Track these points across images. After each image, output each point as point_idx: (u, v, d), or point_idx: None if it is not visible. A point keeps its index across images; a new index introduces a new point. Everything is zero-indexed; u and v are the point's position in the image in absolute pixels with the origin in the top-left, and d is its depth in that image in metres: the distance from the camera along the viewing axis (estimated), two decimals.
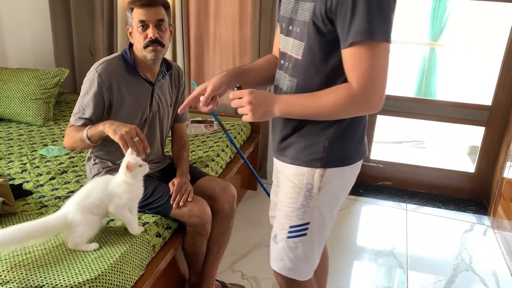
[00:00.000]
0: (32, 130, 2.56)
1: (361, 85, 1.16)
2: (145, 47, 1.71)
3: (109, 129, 1.58)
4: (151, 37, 1.69)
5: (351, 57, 1.17)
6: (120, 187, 1.52)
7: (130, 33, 1.77)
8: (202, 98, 1.35)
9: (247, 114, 1.22)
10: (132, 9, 1.72)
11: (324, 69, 1.25)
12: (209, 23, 2.86)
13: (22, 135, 2.49)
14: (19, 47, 3.24)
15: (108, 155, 1.82)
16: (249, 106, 1.21)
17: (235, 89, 1.28)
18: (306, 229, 1.38)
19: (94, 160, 1.85)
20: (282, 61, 1.39)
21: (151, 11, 1.70)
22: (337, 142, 1.32)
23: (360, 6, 1.12)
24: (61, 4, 3.04)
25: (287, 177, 1.38)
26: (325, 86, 1.22)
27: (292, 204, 1.37)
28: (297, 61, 1.29)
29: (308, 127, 1.32)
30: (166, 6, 1.76)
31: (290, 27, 1.32)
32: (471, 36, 4.27)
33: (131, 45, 1.80)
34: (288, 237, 1.39)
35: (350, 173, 1.38)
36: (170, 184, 1.78)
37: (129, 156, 1.52)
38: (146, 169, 1.56)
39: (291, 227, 1.38)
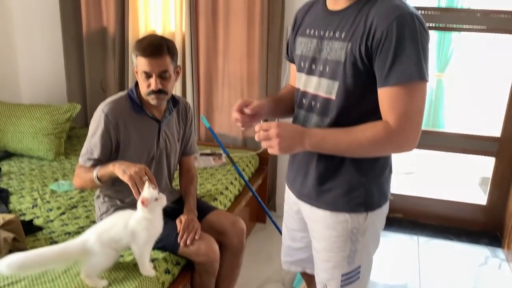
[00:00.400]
0: (43, 165, 2.60)
1: (400, 126, 1.16)
2: (149, 94, 1.71)
3: (119, 170, 1.58)
4: (152, 89, 1.69)
5: (390, 96, 1.16)
6: (139, 224, 1.51)
7: (136, 72, 1.75)
8: (246, 110, 1.33)
9: (272, 147, 1.18)
10: (136, 55, 1.69)
11: (359, 107, 1.24)
12: (218, 59, 2.92)
13: (33, 170, 2.52)
14: (33, 83, 3.32)
15: (117, 193, 1.83)
16: (277, 139, 1.17)
17: (261, 121, 1.25)
18: (359, 272, 1.37)
19: (103, 199, 1.85)
20: (304, 100, 1.36)
21: (155, 62, 1.66)
22: (376, 184, 1.32)
23: (407, 46, 1.12)
24: (74, 41, 3.13)
25: (326, 226, 1.35)
26: (358, 123, 1.21)
27: (341, 253, 1.34)
28: (329, 101, 1.27)
29: (346, 171, 1.30)
30: (172, 53, 1.72)
31: (314, 66, 1.31)
32: (477, 67, 4.30)
33: (137, 83, 1.79)
34: (342, 286, 1.37)
35: (386, 209, 1.39)
36: (177, 221, 1.77)
37: (145, 191, 1.51)
38: (163, 201, 1.55)
39: (343, 275, 1.36)
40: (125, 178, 1.55)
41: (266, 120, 1.28)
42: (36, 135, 2.66)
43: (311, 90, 1.33)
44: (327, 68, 1.26)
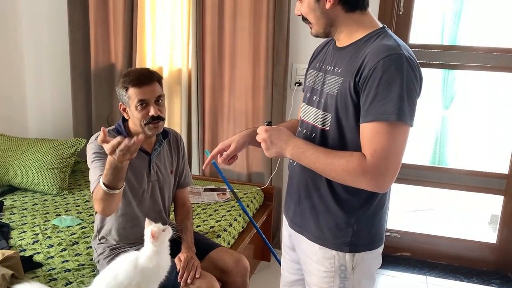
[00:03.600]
0: (46, 200, 2.58)
1: (375, 161, 1.16)
2: (146, 124, 1.71)
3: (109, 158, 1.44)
4: (153, 115, 1.69)
5: (371, 132, 1.17)
6: (150, 261, 1.49)
7: (124, 109, 1.76)
8: (224, 155, 1.41)
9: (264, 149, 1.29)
10: (126, 88, 1.70)
11: (350, 140, 1.26)
12: (223, 94, 2.95)
13: (36, 204, 2.50)
14: (40, 118, 3.36)
15: (111, 234, 1.80)
16: (263, 144, 1.28)
17: (265, 123, 1.35)
18: None
19: (100, 240, 1.83)
20: (300, 129, 1.42)
21: (148, 89, 1.69)
22: (366, 225, 1.30)
23: (390, 86, 1.14)
24: (82, 77, 3.18)
25: (316, 260, 1.34)
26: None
27: None
28: (324, 132, 1.30)
29: (336, 207, 1.30)
30: (160, 80, 1.77)
31: (314, 97, 1.36)
32: (482, 104, 4.31)
33: (124, 118, 1.80)
34: None
35: (379, 250, 1.36)
36: (176, 260, 1.73)
37: (149, 226, 1.50)
38: (169, 231, 1.54)
39: None
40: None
41: (270, 123, 1.35)
42: (41, 170, 2.66)
43: (309, 120, 1.37)
44: (323, 100, 1.31)
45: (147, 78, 1.70)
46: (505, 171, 2.86)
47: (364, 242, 1.31)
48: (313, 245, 1.34)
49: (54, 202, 2.54)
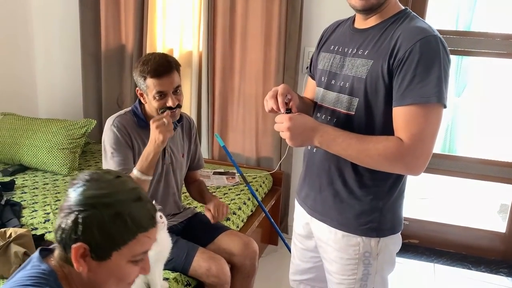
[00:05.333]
0: (57, 179, 2.60)
1: (413, 145, 1.14)
2: (163, 111, 1.70)
3: (154, 145, 1.61)
4: (171, 106, 1.69)
5: (406, 116, 1.15)
6: None
7: (141, 94, 1.74)
8: (279, 98, 1.29)
9: (285, 139, 1.21)
10: (145, 78, 1.67)
11: (378, 124, 1.23)
12: (234, 78, 2.92)
13: (47, 184, 2.52)
14: (51, 98, 3.37)
15: None
16: (288, 133, 1.19)
17: (285, 112, 1.25)
18: None
19: None
20: (318, 114, 1.37)
21: (167, 80, 1.67)
22: (390, 209, 1.30)
23: (428, 68, 1.12)
24: (92, 58, 3.17)
25: (338, 248, 1.33)
26: None
27: (353, 276, 1.32)
28: (348, 116, 1.27)
29: (363, 192, 1.28)
30: (178, 68, 1.74)
31: (333, 81, 1.32)
32: (495, 92, 4.25)
33: (139, 100, 1.80)
34: None
35: (400, 233, 1.37)
36: (206, 212, 1.81)
37: None
38: (164, 224, 1.52)
39: None
40: (160, 138, 1.60)
41: (289, 111, 1.26)
42: (51, 150, 2.67)
43: (329, 105, 1.33)
44: (347, 84, 1.26)
45: (166, 69, 1.67)
46: None
47: (389, 226, 1.31)
48: (335, 233, 1.32)
49: (65, 182, 2.56)
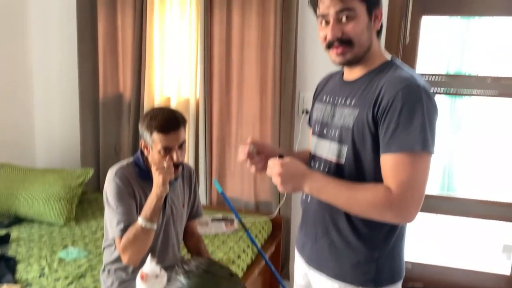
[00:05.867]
0: (53, 231, 2.56)
1: (401, 193, 1.14)
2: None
3: (155, 186, 1.62)
4: (175, 162, 1.69)
5: (392, 164, 1.16)
6: None
7: (145, 146, 1.74)
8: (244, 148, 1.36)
9: (276, 184, 1.22)
10: (151, 132, 1.68)
11: (368, 172, 1.24)
12: (231, 123, 2.95)
13: (43, 236, 2.48)
14: (48, 148, 3.37)
15: (122, 266, 1.77)
16: (279, 178, 1.20)
17: (277, 157, 1.26)
18: None
19: (108, 272, 1.80)
20: (312, 163, 1.39)
21: (174, 136, 1.67)
22: (388, 259, 1.28)
23: (411, 116, 1.14)
24: (90, 106, 3.20)
25: None
26: None
27: None
28: (339, 165, 1.28)
29: (358, 242, 1.27)
30: (184, 123, 1.75)
31: (325, 131, 1.35)
32: (489, 130, 4.29)
33: (142, 150, 1.79)
34: None
35: (401, 282, 1.35)
36: None
37: (147, 265, 1.46)
38: (164, 280, 1.48)
39: None
40: (160, 180, 1.61)
41: (282, 156, 1.27)
42: (48, 200, 2.65)
43: (322, 154, 1.35)
44: (337, 133, 1.29)
45: (173, 125, 1.68)
46: None
47: (387, 276, 1.29)
48: (332, 284, 1.31)
49: (61, 234, 2.52)
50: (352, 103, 1.27)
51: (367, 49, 1.26)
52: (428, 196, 2.97)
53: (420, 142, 1.13)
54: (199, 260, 0.95)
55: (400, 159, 1.14)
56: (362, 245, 1.27)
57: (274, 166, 1.22)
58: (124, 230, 1.66)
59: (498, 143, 4.29)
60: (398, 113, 1.14)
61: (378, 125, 1.19)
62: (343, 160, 1.27)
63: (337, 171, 1.28)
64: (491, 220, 2.96)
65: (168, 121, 1.68)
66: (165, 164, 1.62)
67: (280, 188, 1.22)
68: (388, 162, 1.17)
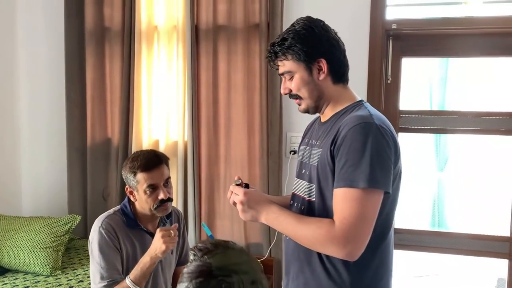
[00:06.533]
0: (38, 281, 2.48)
1: (344, 228, 1.16)
2: (156, 208, 1.72)
3: (155, 254, 1.61)
4: (162, 198, 1.70)
5: (341, 198, 1.19)
6: None
7: (131, 192, 1.75)
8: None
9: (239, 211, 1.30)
10: (135, 173, 1.70)
11: (331, 209, 1.25)
12: (219, 165, 2.96)
13: (27, 287, 2.41)
14: (35, 195, 3.33)
15: None
16: (240, 206, 1.29)
17: (243, 186, 1.35)
18: None
19: None
20: (292, 201, 1.45)
21: (157, 173, 1.71)
22: None
23: (359, 152, 1.17)
24: (78, 152, 3.18)
25: None
26: None
27: None
28: (310, 203, 1.32)
29: (329, 278, 1.27)
30: (166, 161, 1.79)
31: (303, 171, 1.40)
32: (476, 166, 4.34)
33: (129, 199, 1.79)
34: None
35: None
36: None
37: None
38: None
39: None
40: (163, 248, 1.61)
41: (247, 186, 1.36)
42: (33, 249, 2.59)
43: (299, 193, 1.40)
44: (308, 172, 1.36)
45: (155, 163, 1.72)
46: (507, 233, 2.82)
47: None
48: None
49: (47, 284, 2.44)
50: (319, 143, 1.34)
51: (319, 98, 1.35)
52: (419, 232, 2.98)
53: (365, 178, 1.15)
54: (212, 241, 0.97)
55: (346, 194, 1.17)
56: (332, 284, 1.25)
57: (238, 194, 1.31)
58: (107, 287, 1.63)
59: (485, 179, 4.33)
60: (347, 149, 1.19)
61: (335, 163, 1.24)
62: (313, 198, 1.31)
63: (309, 208, 1.32)
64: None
65: (150, 159, 1.72)
66: (172, 234, 1.63)
67: (240, 215, 1.30)
68: (336, 196, 1.20)
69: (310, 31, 1.30)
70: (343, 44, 1.38)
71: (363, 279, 1.26)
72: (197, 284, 0.89)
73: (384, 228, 1.25)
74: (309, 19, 1.34)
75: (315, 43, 1.30)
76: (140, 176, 1.69)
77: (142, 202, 1.72)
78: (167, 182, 1.74)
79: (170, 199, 1.74)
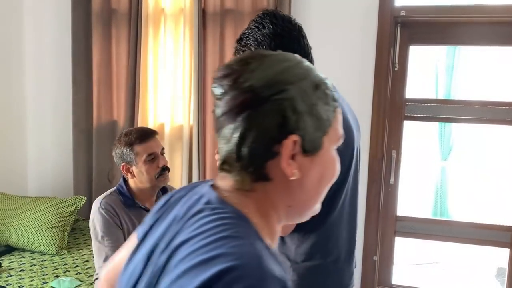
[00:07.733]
0: (44, 260, 2.52)
1: None
2: (158, 177, 1.76)
3: None
4: (163, 165, 1.77)
5: None
6: None
7: (128, 169, 1.79)
8: None
9: None
10: (131, 147, 1.75)
11: None
12: None
13: (34, 265, 2.45)
14: (41, 176, 3.36)
15: None
16: None
17: None
18: None
19: None
20: None
21: (154, 142, 1.79)
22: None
23: None
24: (84, 134, 3.20)
25: None
26: None
27: None
28: None
29: None
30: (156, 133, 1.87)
31: None
32: (480, 155, 4.35)
33: (124, 179, 1.83)
34: None
35: None
36: None
37: None
38: None
39: None
40: None
41: None
42: (40, 229, 2.62)
43: None
44: None
45: (150, 133, 1.80)
46: (509, 223, 2.83)
47: None
48: None
49: (53, 263, 2.49)
50: None
51: None
52: (421, 220, 2.99)
53: None
54: (236, 59, 0.72)
55: None
56: None
57: None
58: None
59: (489, 168, 4.34)
60: None
61: None
62: None
63: None
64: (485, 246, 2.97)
65: (144, 130, 1.82)
66: None
67: None
68: None
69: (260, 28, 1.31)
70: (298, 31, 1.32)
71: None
72: (245, 121, 0.66)
73: None
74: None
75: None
76: (138, 147, 1.74)
77: (142, 176, 1.75)
78: (162, 151, 1.82)
79: (168, 168, 1.81)
